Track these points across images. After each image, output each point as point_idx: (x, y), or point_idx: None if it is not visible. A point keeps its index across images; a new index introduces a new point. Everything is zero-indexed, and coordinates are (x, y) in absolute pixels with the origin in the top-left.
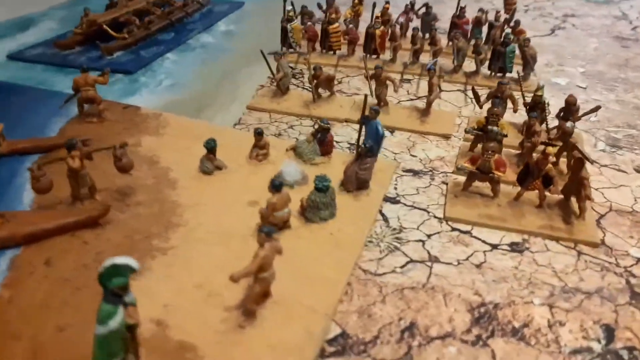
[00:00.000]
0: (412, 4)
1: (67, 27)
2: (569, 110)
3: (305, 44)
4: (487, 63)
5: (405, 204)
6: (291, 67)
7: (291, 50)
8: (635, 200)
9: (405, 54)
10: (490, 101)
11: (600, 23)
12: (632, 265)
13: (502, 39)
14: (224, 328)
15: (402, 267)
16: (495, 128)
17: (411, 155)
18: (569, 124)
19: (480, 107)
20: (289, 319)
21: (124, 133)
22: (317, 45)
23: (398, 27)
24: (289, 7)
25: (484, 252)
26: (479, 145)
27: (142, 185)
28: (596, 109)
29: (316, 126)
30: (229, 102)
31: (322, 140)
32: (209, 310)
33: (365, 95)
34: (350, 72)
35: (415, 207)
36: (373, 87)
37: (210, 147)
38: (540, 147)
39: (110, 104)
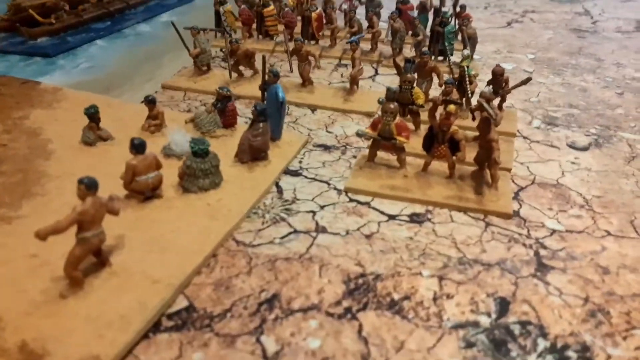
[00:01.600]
0: None
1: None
2: (497, 82)
3: (241, 29)
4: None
5: (306, 177)
6: (222, 52)
7: (228, 36)
8: (563, 174)
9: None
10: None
11: (560, 18)
12: (544, 237)
13: (440, 19)
14: (42, 299)
15: (282, 237)
16: (392, 87)
17: (327, 131)
18: (486, 88)
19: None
20: (122, 289)
21: (14, 107)
22: (254, 31)
23: (337, 10)
24: None
25: (379, 222)
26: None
27: (12, 156)
28: (526, 80)
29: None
30: (144, 82)
31: (222, 110)
32: (33, 281)
33: (264, 57)
34: (285, 59)
35: (316, 180)
36: (295, 63)
37: (90, 113)
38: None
39: (10, 79)
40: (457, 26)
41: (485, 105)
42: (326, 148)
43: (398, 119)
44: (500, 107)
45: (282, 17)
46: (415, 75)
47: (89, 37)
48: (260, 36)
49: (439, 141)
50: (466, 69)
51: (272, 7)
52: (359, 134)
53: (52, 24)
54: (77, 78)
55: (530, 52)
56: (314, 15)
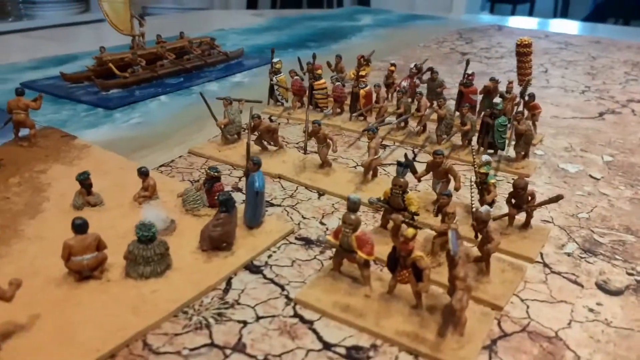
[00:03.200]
0: (418, 69)
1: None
2: (518, 196)
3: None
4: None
5: (264, 276)
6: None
7: (278, 104)
8: (569, 324)
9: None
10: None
11: None
12: None
13: (490, 110)
14: None
15: (192, 349)
16: (352, 195)
17: (321, 223)
18: (483, 208)
19: (418, 179)
20: None
21: (41, 160)
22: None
23: (384, 89)
24: (275, 59)
25: (308, 352)
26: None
27: (6, 210)
28: (556, 198)
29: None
30: (176, 144)
31: (209, 190)
32: None
33: (248, 144)
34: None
35: (273, 282)
36: (308, 142)
37: (80, 180)
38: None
39: (54, 131)
40: (516, 112)
41: (450, 234)
42: (308, 243)
43: (360, 231)
44: (525, 224)
45: (332, 91)
46: (426, 176)
47: (155, 92)
48: (311, 106)
49: (402, 265)
50: (489, 178)
51: (323, 80)
52: (318, 241)
53: (126, 78)
54: (120, 133)
55: (609, 152)
56: (361, 92)
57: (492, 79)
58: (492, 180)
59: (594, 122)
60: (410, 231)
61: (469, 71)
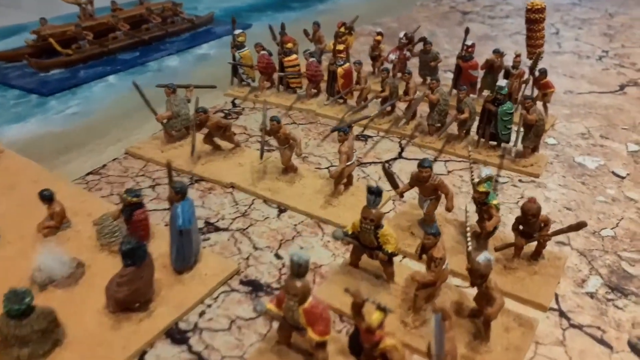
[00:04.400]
0: (409, 38)
1: None
2: (528, 223)
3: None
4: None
5: (190, 349)
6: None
7: (243, 83)
8: None
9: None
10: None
11: None
12: None
13: (493, 95)
14: None
15: None
16: (297, 255)
17: (276, 255)
18: (482, 257)
19: (399, 194)
20: None
21: None
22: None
23: (367, 68)
24: (237, 30)
25: None
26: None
27: None
28: (578, 226)
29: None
30: (112, 142)
31: (128, 219)
32: None
33: (169, 165)
34: (300, 117)
35: (201, 358)
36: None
37: None
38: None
39: None
40: (525, 96)
41: (434, 321)
42: (255, 289)
43: (310, 301)
44: (536, 254)
45: (306, 68)
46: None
47: (104, 71)
48: (282, 87)
49: (368, 355)
50: (490, 199)
51: (294, 56)
52: (256, 310)
53: (69, 55)
54: (50, 128)
55: (634, 139)
56: (339, 70)
57: (496, 52)
58: (494, 202)
59: (615, 97)
60: (375, 318)
61: (469, 41)
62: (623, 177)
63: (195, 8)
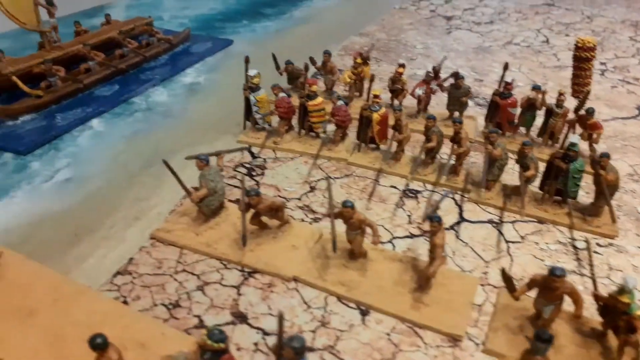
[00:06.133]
0: (436, 71)
1: None
2: None
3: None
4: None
5: None
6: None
7: (258, 126)
8: None
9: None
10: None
11: None
12: None
13: (564, 149)
14: None
15: None
16: None
17: None
18: None
19: (516, 298)
20: None
21: None
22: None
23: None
24: (252, 72)
25: None
26: None
27: None
28: None
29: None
30: (130, 222)
31: None
32: None
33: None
34: (332, 169)
35: None
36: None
37: None
38: None
39: None
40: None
41: None
42: None
43: None
44: None
45: (333, 113)
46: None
47: (84, 113)
48: (303, 131)
49: None
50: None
51: (319, 99)
52: None
53: (40, 97)
54: (43, 204)
55: None
56: (375, 116)
57: (536, 88)
58: (638, 312)
59: (638, 124)
60: None
61: (508, 78)
62: None
63: (160, 18)
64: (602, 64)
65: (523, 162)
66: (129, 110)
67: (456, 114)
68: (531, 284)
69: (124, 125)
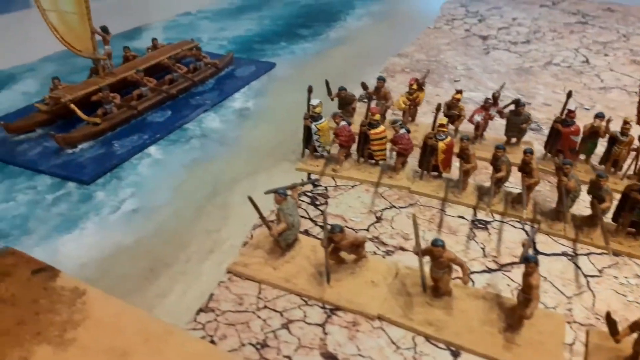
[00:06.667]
0: (495, 98)
1: (47, 90)
2: None
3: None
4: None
5: None
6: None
7: (316, 154)
8: None
9: (483, 178)
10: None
11: None
12: None
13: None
14: None
15: None
16: None
17: None
18: None
19: (617, 341)
20: None
21: (11, 333)
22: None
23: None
24: (314, 101)
25: None
26: None
27: None
28: None
29: None
30: (203, 254)
31: None
32: None
33: None
34: (394, 197)
35: None
36: (427, 271)
37: None
38: None
39: (18, 259)
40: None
41: None
42: None
43: None
44: None
45: (395, 141)
46: None
47: (140, 140)
48: (362, 159)
49: None
50: None
51: (381, 128)
52: None
53: (98, 124)
54: (113, 237)
55: None
56: (442, 145)
57: (600, 116)
58: None
59: None
60: None
61: (572, 106)
62: None
63: (199, 40)
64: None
65: (598, 194)
66: (184, 136)
67: (513, 140)
68: (634, 327)
69: (182, 152)
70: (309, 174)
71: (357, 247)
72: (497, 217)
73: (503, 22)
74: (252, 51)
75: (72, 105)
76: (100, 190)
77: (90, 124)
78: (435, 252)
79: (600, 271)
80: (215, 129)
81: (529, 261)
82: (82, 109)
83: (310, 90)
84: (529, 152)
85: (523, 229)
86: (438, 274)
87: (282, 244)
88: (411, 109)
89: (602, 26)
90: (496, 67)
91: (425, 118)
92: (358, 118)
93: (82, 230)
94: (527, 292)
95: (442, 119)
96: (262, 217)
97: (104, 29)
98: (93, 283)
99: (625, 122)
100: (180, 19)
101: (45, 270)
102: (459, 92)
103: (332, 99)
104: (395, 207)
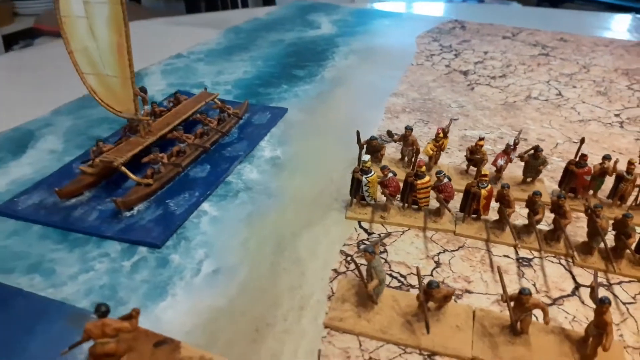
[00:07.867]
0: (516, 144)
1: (72, 146)
2: None
3: (380, 197)
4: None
5: None
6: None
7: (363, 202)
8: None
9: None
10: None
11: None
12: None
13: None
14: None
15: None
16: None
17: None
18: None
19: None
20: None
21: None
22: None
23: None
24: (365, 157)
25: None
26: None
27: None
28: None
29: None
30: (295, 311)
31: None
32: None
33: None
34: (444, 241)
35: None
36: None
37: None
38: None
39: (138, 334)
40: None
41: None
42: None
43: None
44: None
45: (439, 189)
46: None
47: (193, 199)
48: (406, 205)
49: None
50: None
51: (427, 178)
52: None
53: (150, 185)
54: (204, 301)
55: None
56: (484, 192)
57: (607, 158)
58: None
59: None
60: None
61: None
62: None
63: (201, 85)
64: (620, 117)
65: (625, 231)
66: (230, 191)
67: (528, 179)
68: None
69: (234, 208)
70: (359, 222)
71: (447, 298)
72: (535, 253)
73: (476, 56)
74: (259, 96)
75: (123, 168)
76: (173, 254)
77: (142, 185)
78: (523, 300)
79: (633, 297)
80: (255, 180)
81: (604, 303)
82: (127, 168)
83: (361, 147)
84: (562, 198)
85: (560, 263)
86: (521, 317)
87: (375, 299)
88: (436, 155)
89: (562, 57)
90: (484, 103)
91: (442, 159)
92: (385, 162)
93: (174, 297)
94: (602, 328)
95: (485, 170)
96: (361, 275)
97: (143, 90)
98: (207, 350)
99: (630, 163)
100: (175, 62)
101: (167, 343)
102: (482, 139)
103: (360, 148)
104: (447, 250)
